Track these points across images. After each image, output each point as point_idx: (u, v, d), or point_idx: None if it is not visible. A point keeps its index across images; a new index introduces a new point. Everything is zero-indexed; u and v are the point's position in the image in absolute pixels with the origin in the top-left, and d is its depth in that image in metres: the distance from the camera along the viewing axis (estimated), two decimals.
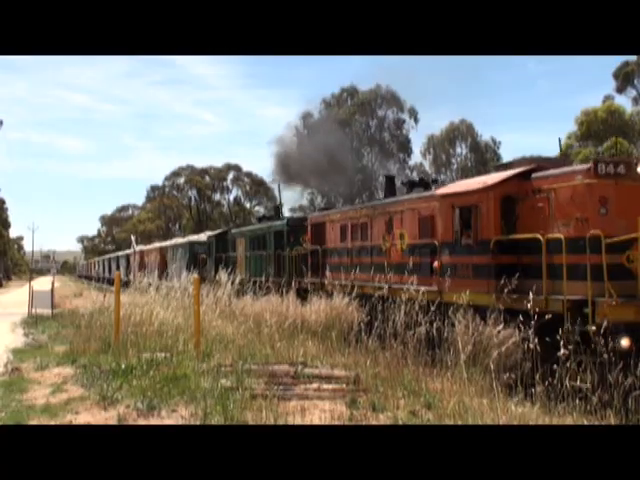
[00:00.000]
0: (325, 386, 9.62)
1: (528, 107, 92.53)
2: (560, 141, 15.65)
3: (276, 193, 67.61)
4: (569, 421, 7.93)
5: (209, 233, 39.36)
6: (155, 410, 8.30)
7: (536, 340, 8.99)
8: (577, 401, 8.27)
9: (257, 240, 27.58)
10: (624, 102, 51.89)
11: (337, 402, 8.86)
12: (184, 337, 12.84)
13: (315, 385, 9.63)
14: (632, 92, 54.31)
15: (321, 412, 8.30)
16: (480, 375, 9.02)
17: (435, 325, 11.19)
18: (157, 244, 55.00)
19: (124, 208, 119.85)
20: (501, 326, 10.37)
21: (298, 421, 7.76)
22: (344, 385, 9.70)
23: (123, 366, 10.78)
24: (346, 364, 11.16)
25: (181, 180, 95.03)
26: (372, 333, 12.10)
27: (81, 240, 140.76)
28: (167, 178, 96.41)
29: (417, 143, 69.07)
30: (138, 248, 58.07)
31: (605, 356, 8.58)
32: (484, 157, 64.29)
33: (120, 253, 69.73)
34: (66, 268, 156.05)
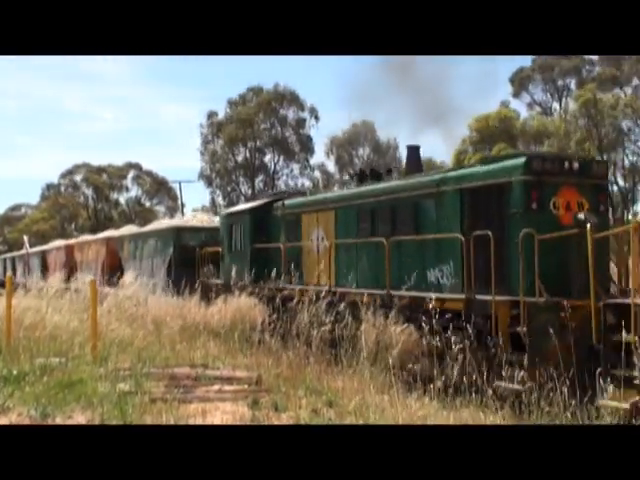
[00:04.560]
0: (227, 387, 9.55)
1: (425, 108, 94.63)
2: None
3: (178, 193, 67.00)
4: (466, 414, 8.18)
5: (232, 209, 23.68)
6: (49, 417, 7.99)
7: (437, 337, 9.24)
8: (473, 395, 8.55)
9: (378, 214, 14.00)
10: (519, 107, 54.25)
11: (239, 403, 8.81)
12: (80, 341, 12.44)
13: (217, 387, 9.55)
14: (527, 97, 56.96)
15: (222, 414, 8.21)
16: (381, 372, 9.19)
17: None
18: (102, 234, 38.45)
19: (16, 207, 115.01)
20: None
21: (199, 423, 7.66)
22: (246, 386, 9.66)
23: (15, 372, 10.32)
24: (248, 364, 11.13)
25: (78, 178, 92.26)
26: None
27: None
28: (63, 176, 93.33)
29: (319, 143, 69.74)
30: (62, 242, 43.84)
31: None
32: (385, 158, 65.58)
33: (32, 250, 52.83)
34: None
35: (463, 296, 10.76)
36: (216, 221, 24.82)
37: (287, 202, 18.30)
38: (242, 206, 22.00)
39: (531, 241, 9.75)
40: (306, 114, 65.55)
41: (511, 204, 10.63)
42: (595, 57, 53.32)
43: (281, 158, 66.94)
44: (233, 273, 16.50)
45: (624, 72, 48.99)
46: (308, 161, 67.01)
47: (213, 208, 58.56)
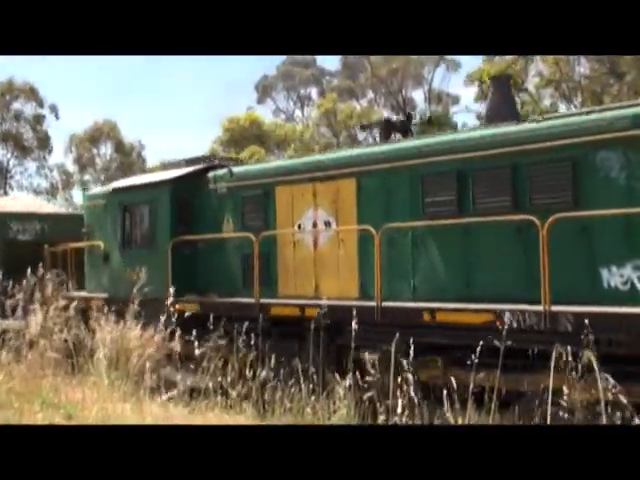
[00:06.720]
0: None
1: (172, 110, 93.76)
2: None
3: None
4: (211, 416, 8.22)
5: (126, 182, 14.48)
6: None
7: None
8: (218, 397, 8.60)
9: (476, 180, 8.58)
10: (265, 112, 55.95)
11: None
12: None
13: None
14: (272, 104, 59.09)
15: None
16: (122, 380, 8.94)
17: None
18: None
19: None
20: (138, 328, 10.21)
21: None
22: None
23: None
24: None
25: None
26: None
27: None
28: None
29: (60, 142, 66.29)
30: None
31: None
32: (130, 158, 64.11)
33: None
34: None
35: None
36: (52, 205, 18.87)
37: (239, 170, 12.13)
38: (150, 177, 13.98)
39: None
40: (46, 111, 61.80)
41: None
42: (333, 69, 56.78)
43: (14, 155, 62.40)
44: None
45: (360, 85, 52.61)
46: (46, 159, 63.24)
47: None
